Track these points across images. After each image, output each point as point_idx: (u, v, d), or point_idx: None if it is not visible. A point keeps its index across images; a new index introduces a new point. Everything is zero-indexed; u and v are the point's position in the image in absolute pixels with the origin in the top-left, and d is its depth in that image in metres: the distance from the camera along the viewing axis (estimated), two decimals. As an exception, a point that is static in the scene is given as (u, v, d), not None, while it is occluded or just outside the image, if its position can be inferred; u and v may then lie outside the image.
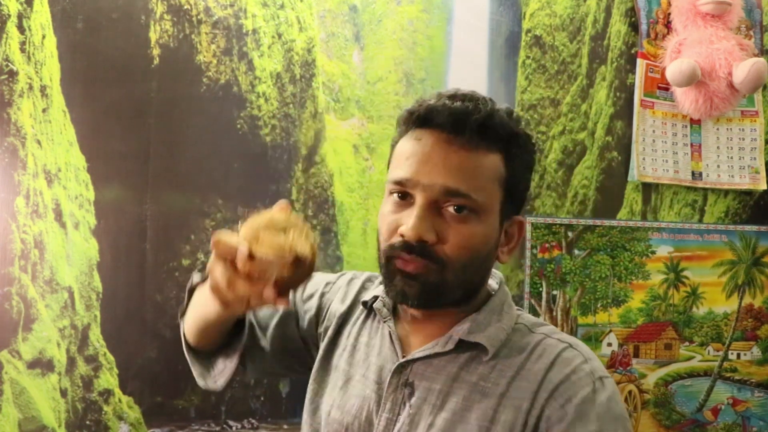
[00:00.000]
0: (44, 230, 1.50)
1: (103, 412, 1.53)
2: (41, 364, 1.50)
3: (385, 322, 0.96)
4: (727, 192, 1.89)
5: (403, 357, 0.91)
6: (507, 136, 0.88)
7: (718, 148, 1.89)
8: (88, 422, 1.52)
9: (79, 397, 1.52)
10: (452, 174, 0.84)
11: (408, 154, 0.87)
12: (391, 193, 0.88)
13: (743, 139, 1.90)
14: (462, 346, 0.89)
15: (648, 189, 1.86)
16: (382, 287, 0.96)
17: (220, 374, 1.02)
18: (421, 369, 0.90)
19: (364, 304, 1.01)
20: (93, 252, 1.53)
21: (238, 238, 0.79)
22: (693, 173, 1.87)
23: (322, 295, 1.07)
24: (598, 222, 1.81)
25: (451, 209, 0.85)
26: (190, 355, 1.05)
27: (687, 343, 1.86)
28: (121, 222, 1.55)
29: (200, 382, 1.04)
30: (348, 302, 1.04)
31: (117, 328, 1.54)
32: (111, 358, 1.54)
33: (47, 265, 1.50)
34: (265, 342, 1.06)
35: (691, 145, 1.88)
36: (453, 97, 0.89)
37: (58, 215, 1.51)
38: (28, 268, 1.49)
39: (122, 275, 1.55)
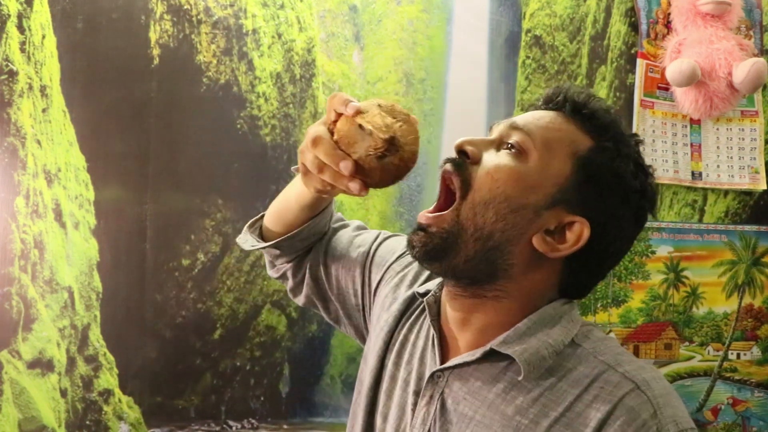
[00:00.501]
0: (44, 230, 1.50)
1: (103, 412, 1.53)
2: (41, 364, 1.50)
3: (432, 321, 0.87)
4: (727, 192, 1.89)
5: (442, 364, 0.83)
6: (602, 125, 0.82)
7: (717, 148, 1.89)
8: (88, 422, 1.52)
9: (79, 397, 1.52)
10: (528, 119, 0.82)
11: None
12: None
13: (743, 139, 1.90)
14: (498, 359, 0.78)
15: (648, 189, 1.86)
16: (437, 280, 0.90)
17: (257, 246, 1.02)
18: (456, 387, 0.80)
19: (417, 295, 0.92)
20: (93, 252, 1.53)
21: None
22: (693, 173, 1.87)
23: (390, 265, 1.00)
24: (598, 222, 1.81)
25: (507, 144, 0.81)
26: (250, 234, 1.05)
27: (687, 343, 1.86)
28: (121, 222, 1.55)
29: (240, 240, 1.05)
30: (415, 288, 0.95)
31: (117, 328, 1.54)
32: (111, 358, 1.54)
33: (47, 265, 1.50)
34: (333, 270, 1.03)
35: (691, 145, 1.88)
36: (561, 85, 0.87)
37: (58, 215, 1.51)
38: (28, 268, 1.49)
39: (122, 275, 1.55)
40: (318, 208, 0.98)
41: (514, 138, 0.80)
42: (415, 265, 0.97)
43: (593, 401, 0.73)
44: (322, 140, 0.78)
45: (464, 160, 0.81)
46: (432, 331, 0.86)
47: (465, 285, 0.81)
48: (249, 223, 1.05)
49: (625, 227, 0.82)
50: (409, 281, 0.96)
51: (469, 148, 0.81)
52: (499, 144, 0.82)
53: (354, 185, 0.77)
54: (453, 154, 0.82)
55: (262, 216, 1.05)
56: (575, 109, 0.83)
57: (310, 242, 1.04)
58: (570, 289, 0.83)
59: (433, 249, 0.79)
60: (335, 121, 0.79)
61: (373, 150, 0.75)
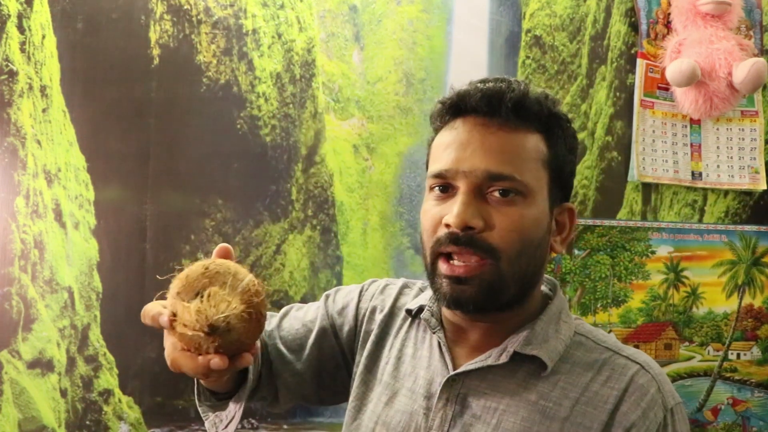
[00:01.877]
0: (44, 230, 1.50)
1: (103, 412, 1.53)
2: (41, 364, 1.50)
3: (434, 332, 0.89)
4: (726, 192, 1.89)
5: (454, 370, 0.85)
6: (546, 116, 0.84)
7: (717, 148, 1.89)
8: (88, 422, 1.52)
9: (79, 397, 1.52)
10: (494, 157, 0.80)
11: (445, 146, 0.83)
12: (432, 188, 0.84)
13: (743, 139, 1.90)
14: (517, 358, 0.83)
15: (648, 189, 1.86)
16: (425, 295, 0.93)
17: (231, 421, 0.88)
18: (475, 383, 0.84)
19: (409, 312, 0.94)
20: (93, 252, 1.53)
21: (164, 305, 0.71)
22: (693, 173, 1.87)
23: (357, 304, 1.00)
24: (598, 222, 1.81)
25: (496, 194, 0.80)
26: (201, 406, 0.92)
27: (687, 343, 1.86)
28: (121, 222, 1.55)
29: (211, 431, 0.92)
30: (386, 310, 0.97)
31: (117, 328, 1.54)
32: (111, 358, 1.54)
33: (47, 265, 1.50)
34: (301, 365, 0.98)
35: (691, 145, 1.88)
36: (484, 81, 0.85)
37: (58, 215, 1.51)
38: (28, 268, 1.49)
39: (122, 275, 1.55)
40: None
41: (505, 185, 0.80)
42: (377, 294, 0.99)
43: (607, 381, 0.82)
44: (179, 361, 0.73)
45: (472, 234, 0.79)
46: (435, 340, 0.89)
47: (495, 313, 0.84)
48: (197, 403, 0.92)
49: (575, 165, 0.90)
50: (380, 308, 0.98)
51: (475, 223, 0.79)
52: (484, 193, 0.81)
53: (245, 361, 0.73)
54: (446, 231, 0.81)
55: (197, 386, 0.92)
56: (515, 109, 0.82)
57: (259, 379, 0.96)
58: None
59: (486, 300, 0.81)
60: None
61: (212, 344, 0.69)
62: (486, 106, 0.82)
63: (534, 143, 0.83)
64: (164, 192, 1.57)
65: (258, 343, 0.80)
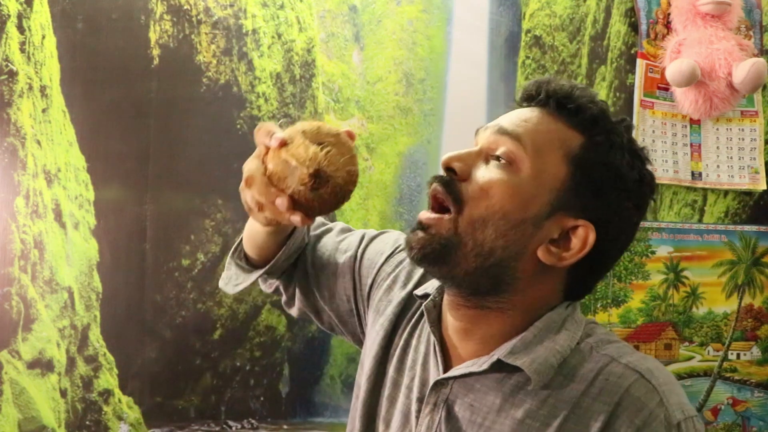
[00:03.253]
0: (44, 230, 1.50)
1: (103, 413, 1.53)
2: (41, 365, 1.50)
3: (431, 328, 0.84)
4: (726, 192, 1.89)
5: (446, 372, 0.81)
6: (590, 119, 0.78)
7: (717, 148, 1.89)
8: (88, 422, 1.52)
9: (79, 398, 1.52)
10: (513, 121, 0.78)
11: None
12: None
13: (743, 139, 1.90)
14: (506, 368, 0.76)
15: (648, 189, 1.86)
16: (436, 282, 0.86)
17: (240, 284, 0.96)
18: (463, 392, 0.78)
19: (416, 297, 0.89)
20: (93, 252, 1.53)
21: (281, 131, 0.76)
22: (693, 173, 1.87)
23: (381, 266, 0.96)
24: (597, 222, 1.81)
25: (495, 156, 0.77)
26: (232, 259, 0.99)
27: (687, 343, 1.86)
28: (121, 222, 1.55)
29: (222, 284, 1.00)
30: (409, 287, 0.92)
31: (117, 328, 1.54)
32: (111, 358, 1.54)
33: (47, 265, 1.50)
34: (319, 290, 0.99)
35: (691, 145, 1.88)
36: (539, 79, 0.83)
37: (58, 215, 1.51)
38: (28, 268, 1.49)
39: (122, 275, 1.55)
40: (287, 230, 0.93)
41: (503, 148, 0.77)
42: (406, 263, 0.94)
43: (599, 394, 0.73)
44: (254, 179, 0.76)
45: (452, 177, 0.78)
46: (433, 337, 0.84)
47: (467, 295, 0.79)
48: (230, 252, 1.00)
49: (627, 220, 0.80)
50: (402, 281, 0.93)
51: (456, 165, 0.77)
52: (487, 156, 0.79)
53: (296, 218, 0.75)
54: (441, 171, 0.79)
55: (240, 241, 1.00)
56: (560, 104, 0.79)
57: (294, 258, 1.00)
58: (574, 292, 0.81)
59: (432, 252, 0.76)
60: (266, 154, 0.77)
61: (302, 185, 0.73)
62: (528, 93, 0.82)
63: (565, 135, 0.78)
64: (164, 192, 1.57)
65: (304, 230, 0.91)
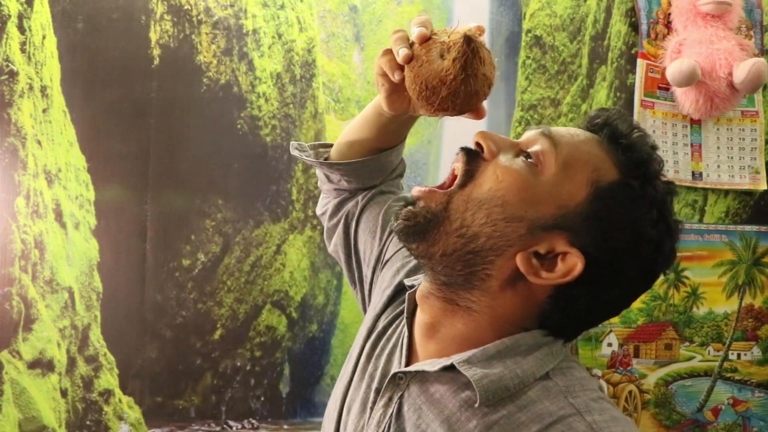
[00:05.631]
0: (44, 230, 1.50)
1: (104, 413, 1.53)
2: (41, 365, 1.50)
3: (406, 318, 0.82)
4: (727, 192, 1.89)
5: (406, 366, 0.79)
6: (635, 162, 0.75)
7: (718, 148, 1.89)
8: (88, 422, 1.52)
9: (80, 398, 1.52)
10: (562, 131, 0.77)
11: None
12: None
13: (743, 139, 1.90)
14: (461, 379, 0.72)
15: (648, 189, 1.85)
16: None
17: (309, 159, 1.04)
18: (416, 393, 0.75)
19: (404, 287, 0.88)
20: (93, 252, 1.53)
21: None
22: (693, 173, 1.87)
23: (401, 248, 0.94)
24: (598, 222, 1.81)
25: (524, 155, 0.76)
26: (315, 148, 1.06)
27: (687, 343, 1.85)
28: (121, 222, 1.55)
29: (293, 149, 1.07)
30: (407, 269, 0.92)
31: (117, 328, 1.54)
32: (111, 358, 1.54)
33: (47, 265, 1.50)
34: (355, 225, 1.02)
35: (691, 145, 1.88)
36: (609, 109, 0.83)
37: (59, 215, 1.51)
38: (29, 269, 1.49)
39: (122, 275, 1.55)
40: (391, 139, 0.98)
41: (536, 147, 0.75)
42: None
43: None
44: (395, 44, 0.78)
45: (479, 152, 0.77)
46: (405, 329, 0.82)
47: (439, 284, 0.77)
48: (310, 144, 1.07)
49: (627, 277, 0.75)
50: (409, 270, 0.92)
51: (486, 143, 0.76)
52: (519, 149, 0.77)
53: (403, 51, 0.76)
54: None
55: (325, 145, 1.06)
56: (613, 136, 0.76)
57: (369, 180, 1.02)
58: (552, 325, 0.76)
59: (414, 225, 0.75)
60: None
61: (443, 71, 0.73)
62: (597, 117, 0.80)
63: (603, 165, 0.74)
64: (164, 192, 1.57)
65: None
